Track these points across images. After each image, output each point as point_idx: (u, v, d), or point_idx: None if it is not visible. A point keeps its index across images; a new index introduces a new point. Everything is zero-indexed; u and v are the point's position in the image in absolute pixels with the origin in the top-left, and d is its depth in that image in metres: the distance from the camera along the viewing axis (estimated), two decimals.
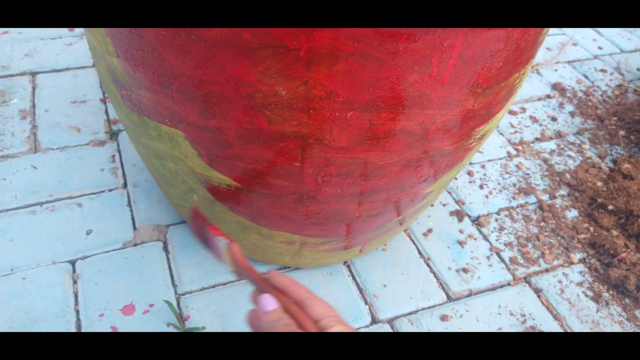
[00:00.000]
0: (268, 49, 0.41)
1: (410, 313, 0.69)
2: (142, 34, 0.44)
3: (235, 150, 0.50)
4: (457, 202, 0.85)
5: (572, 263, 0.79)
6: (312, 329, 0.41)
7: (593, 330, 0.70)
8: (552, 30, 1.34)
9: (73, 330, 0.63)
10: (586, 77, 1.19)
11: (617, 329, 0.71)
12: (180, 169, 0.56)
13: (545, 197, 0.88)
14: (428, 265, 0.75)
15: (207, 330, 0.64)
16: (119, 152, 0.86)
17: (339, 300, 0.69)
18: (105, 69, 0.54)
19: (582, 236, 0.83)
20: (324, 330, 0.40)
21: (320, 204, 0.56)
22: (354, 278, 0.72)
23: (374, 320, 0.68)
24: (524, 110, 1.07)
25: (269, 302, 0.43)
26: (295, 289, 0.44)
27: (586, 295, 0.75)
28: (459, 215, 0.83)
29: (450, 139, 0.52)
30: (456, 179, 0.89)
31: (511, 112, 1.06)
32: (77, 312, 0.65)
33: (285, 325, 0.41)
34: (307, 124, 0.46)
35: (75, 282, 0.68)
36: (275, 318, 0.42)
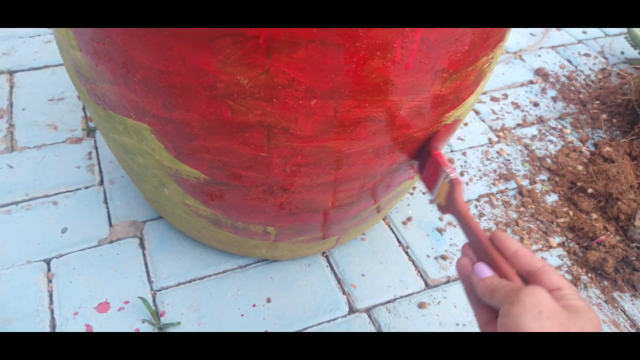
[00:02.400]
0: (227, 37, 0.40)
1: (388, 302, 0.69)
2: None
3: (201, 142, 0.49)
4: None
5: (550, 247, 0.79)
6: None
7: None
8: None
9: (47, 329, 0.62)
10: (570, 61, 1.19)
11: (595, 311, 0.71)
12: (149, 163, 0.56)
13: (525, 182, 0.88)
14: (407, 253, 0.75)
15: (183, 325, 0.63)
16: (96, 148, 0.85)
17: (317, 291, 0.69)
18: (70, 63, 0.54)
19: (562, 220, 0.83)
20: (563, 300, 0.37)
21: (291, 194, 0.55)
22: (332, 268, 0.72)
23: (352, 310, 0.68)
24: (506, 96, 1.07)
25: (485, 270, 0.40)
26: (528, 256, 0.40)
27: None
28: None
29: (419, 125, 0.52)
30: None
31: (493, 99, 1.06)
32: (52, 311, 0.64)
33: (513, 288, 0.37)
34: (271, 113, 0.45)
35: (50, 281, 0.67)
36: (495, 282, 0.39)
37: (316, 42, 0.41)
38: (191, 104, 0.46)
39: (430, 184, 0.52)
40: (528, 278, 0.40)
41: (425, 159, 0.53)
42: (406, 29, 0.41)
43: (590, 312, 0.37)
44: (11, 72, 0.99)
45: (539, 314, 0.34)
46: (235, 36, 0.40)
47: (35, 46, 1.06)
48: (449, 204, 0.47)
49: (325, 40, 0.40)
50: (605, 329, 0.69)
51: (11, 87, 0.96)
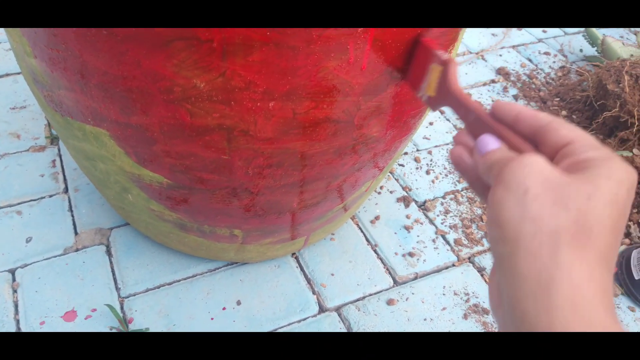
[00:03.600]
0: (181, 41, 0.41)
1: (357, 300, 0.70)
2: (55, 32, 0.43)
3: (162, 147, 0.49)
4: (404, 188, 0.87)
5: None
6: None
7: None
8: None
9: None
10: (530, 60, 1.22)
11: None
12: (111, 169, 0.55)
13: None
14: (375, 251, 0.76)
15: (152, 330, 0.63)
16: (60, 156, 0.84)
17: (287, 292, 0.70)
18: (26, 70, 0.53)
19: None
20: (570, 158, 0.28)
21: (255, 197, 0.56)
22: (302, 269, 0.73)
23: (322, 309, 0.68)
24: (469, 96, 1.09)
25: (490, 142, 0.32)
26: (532, 116, 0.32)
27: None
28: (406, 201, 0.84)
29: (379, 125, 0.53)
30: (403, 165, 0.91)
31: None
32: (17, 321, 0.63)
33: (508, 160, 0.29)
34: (230, 115, 0.46)
35: (15, 291, 0.66)
36: (497, 156, 0.31)
37: (270, 44, 0.41)
38: (149, 108, 0.46)
39: (417, 81, 0.47)
40: (534, 140, 0.32)
41: (412, 53, 0.48)
42: (358, 30, 0.42)
43: (610, 163, 0.26)
44: None
45: (524, 195, 0.26)
46: (189, 39, 0.40)
47: None
48: (441, 91, 0.42)
49: (279, 42, 0.41)
50: None
51: None
